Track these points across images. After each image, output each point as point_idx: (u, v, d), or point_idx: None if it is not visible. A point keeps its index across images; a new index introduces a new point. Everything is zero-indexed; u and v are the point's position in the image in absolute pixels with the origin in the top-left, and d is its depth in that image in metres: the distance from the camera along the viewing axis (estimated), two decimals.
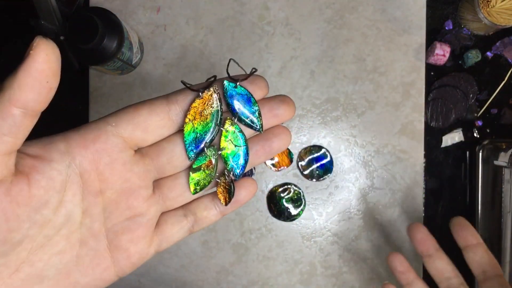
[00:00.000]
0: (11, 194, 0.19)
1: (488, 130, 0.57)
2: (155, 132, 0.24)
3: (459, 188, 0.57)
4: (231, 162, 0.26)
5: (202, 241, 0.57)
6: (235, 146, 0.25)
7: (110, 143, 0.23)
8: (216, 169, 0.26)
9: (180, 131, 0.25)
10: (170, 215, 0.26)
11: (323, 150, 0.56)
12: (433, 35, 0.57)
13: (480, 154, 0.55)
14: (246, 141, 0.25)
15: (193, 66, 0.57)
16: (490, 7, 0.50)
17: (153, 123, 0.23)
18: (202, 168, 0.25)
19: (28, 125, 0.19)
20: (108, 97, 0.57)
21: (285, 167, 0.57)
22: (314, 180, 0.57)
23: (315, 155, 0.56)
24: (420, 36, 0.56)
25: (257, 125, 0.25)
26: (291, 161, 0.57)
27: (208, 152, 0.25)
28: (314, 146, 0.57)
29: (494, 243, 0.55)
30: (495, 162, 0.53)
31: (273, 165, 0.57)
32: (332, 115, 0.57)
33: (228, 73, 0.25)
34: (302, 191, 0.57)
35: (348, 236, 0.57)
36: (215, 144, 0.26)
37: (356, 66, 0.57)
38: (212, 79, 0.25)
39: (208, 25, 0.57)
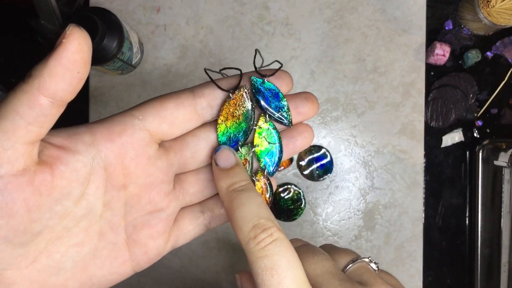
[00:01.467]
0: (34, 184, 0.19)
1: (488, 130, 0.57)
2: (181, 126, 0.23)
3: (459, 188, 0.57)
4: (264, 159, 0.25)
5: (202, 241, 0.57)
6: (269, 143, 0.25)
7: (136, 136, 0.22)
8: (251, 168, 0.26)
9: (205, 125, 0.25)
10: (187, 211, 0.25)
11: (323, 150, 0.56)
12: (433, 35, 0.57)
13: (480, 154, 0.55)
14: (280, 138, 0.25)
15: (193, 66, 0.57)
16: (490, 7, 0.50)
17: (180, 116, 0.23)
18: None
19: (55, 115, 0.19)
20: (108, 97, 0.57)
21: (285, 167, 0.57)
22: (314, 180, 0.57)
23: (315, 155, 0.56)
24: (420, 36, 0.56)
25: (286, 121, 0.25)
26: (291, 161, 0.57)
27: (243, 150, 0.25)
28: (314, 146, 0.57)
29: (494, 243, 0.55)
30: (495, 162, 0.54)
31: None
32: (332, 115, 0.57)
33: (255, 67, 0.25)
34: (302, 191, 0.57)
35: (348, 236, 0.57)
36: (249, 143, 0.26)
37: (356, 66, 0.57)
38: (237, 73, 0.25)
39: (208, 25, 0.57)
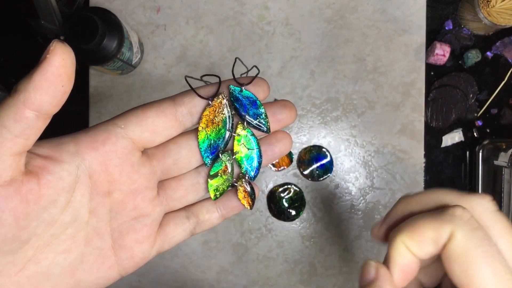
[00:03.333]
0: (21, 193, 0.19)
1: (488, 130, 0.57)
2: (163, 133, 0.24)
3: (459, 188, 0.57)
4: (245, 165, 0.26)
5: (202, 241, 0.57)
6: (248, 149, 0.26)
7: (119, 145, 0.23)
8: (233, 174, 0.26)
9: (186, 132, 0.25)
10: (173, 216, 0.26)
11: (323, 150, 0.56)
12: (433, 35, 0.57)
13: (480, 154, 0.55)
14: (258, 143, 0.26)
15: (193, 66, 0.57)
16: (490, 7, 0.50)
17: (161, 124, 0.24)
18: (219, 174, 0.26)
19: (40, 127, 0.19)
20: (108, 97, 0.57)
21: (285, 167, 0.57)
22: (314, 180, 0.57)
23: (315, 155, 0.56)
24: (420, 36, 0.56)
25: (264, 127, 0.26)
26: (291, 161, 0.57)
27: (223, 157, 0.26)
28: (314, 146, 0.57)
29: None
30: (495, 162, 0.53)
31: (273, 165, 0.57)
32: (332, 115, 0.57)
33: (233, 75, 0.26)
34: (302, 191, 0.57)
35: (348, 236, 0.57)
36: (229, 149, 0.26)
37: (356, 66, 0.57)
38: (214, 81, 0.26)
39: (208, 25, 0.57)
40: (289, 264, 0.57)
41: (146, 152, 0.25)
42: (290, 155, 0.57)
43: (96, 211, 0.23)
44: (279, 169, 0.57)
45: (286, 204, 0.56)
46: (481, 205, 0.21)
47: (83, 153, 0.22)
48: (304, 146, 0.57)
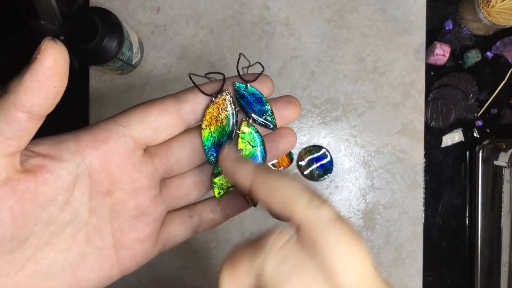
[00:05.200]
0: (18, 192, 0.19)
1: (488, 130, 0.57)
2: (166, 131, 0.24)
3: (459, 188, 0.57)
4: None
5: (202, 241, 0.57)
6: (252, 146, 0.26)
7: (120, 143, 0.22)
8: None
9: (189, 130, 0.25)
10: (175, 215, 0.26)
11: (323, 150, 0.56)
12: (433, 35, 0.57)
13: (480, 154, 0.55)
14: (262, 141, 0.26)
15: (193, 66, 0.57)
16: (490, 7, 0.50)
17: (164, 122, 0.23)
18: (223, 172, 0.25)
19: (33, 128, 0.19)
20: (108, 97, 0.57)
21: (285, 167, 0.57)
22: (314, 180, 0.57)
23: (315, 155, 0.56)
24: (420, 36, 0.56)
25: (271, 124, 0.25)
26: (291, 161, 0.57)
27: None
28: (314, 146, 0.57)
29: (494, 243, 0.55)
30: (495, 162, 0.53)
31: (273, 165, 0.57)
32: (332, 115, 0.57)
33: (238, 72, 0.25)
34: None
35: None
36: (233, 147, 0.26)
37: (356, 66, 0.57)
38: (218, 78, 0.25)
39: (208, 25, 0.57)
40: None
41: (148, 150, 0.24)
42: (290, 155, 0.57)
43: (97, 210, 0.23)
44: (279, 169, 0.57)
45: None
46: (315, 215, 0.19)
47: (83, 151, 0.22)
48: (304, 146, 0.57)
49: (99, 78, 0.57)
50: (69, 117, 0.57)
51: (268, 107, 0.25)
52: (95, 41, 0.45)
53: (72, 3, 0.53)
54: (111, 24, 0.47)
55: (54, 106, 0.19)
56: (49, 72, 0.18)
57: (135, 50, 0.53)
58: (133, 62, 0.54)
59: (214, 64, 0.57)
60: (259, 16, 0.57)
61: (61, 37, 0.51)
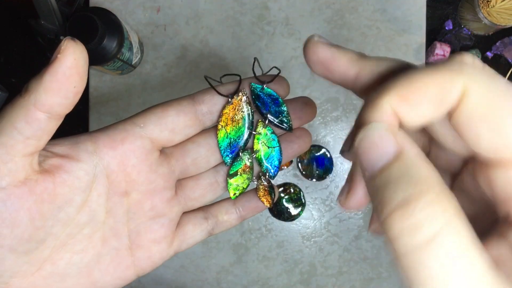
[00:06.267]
0: (36, 192, 0.19)
1: None
2: (182, 132, 0.24)
3: None
4: (265, 164, 0.26)
5: (202, 241, 0.57)
6: (269, 147, 0.25)
7: (138, 144, 0.22)
8: (252, 172, 0.26)
9: (205, 131, 0.25)
10: (191, 216, 0.26)
11: (323, 150, 0.56)
12: (433, 35, 0.57)
13: None
14: (278, 141, 0.26)
15: (193, 66, 0.57)
16: (490, 7, 0.50)
17: (181, 123, 0.23)
18: (239, 173, 0.25)
19: (52, 128, 0.19)
20: (108, 97, 0.57)
21: (285, 167, 0.57)
22: (314, 180, 0.57)
23: (315, 155, 0.56)
24: (420, 36, 0.56)
25: (287, 126, 0.25)
26: (291, 161, 0.57)
27: (243, 156, 0.25)
28: (314, 146, 0.57)
29: None
30: None
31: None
32: (332, 115, 0.57)
33: (254, 73, 0.25)
34: (302, 191, 0.57)
35: (348, 236, 0.57)
36: (249, 148, 0.26)
37: None
38: (235, 79, 0.25)
39: (208, 25, 0.57)
40: (289, 264, 0.57)
41: (164, 151, 0.24)
42: None
43: (113, 211, 0.23)
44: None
45: (286, 204, 0.56)
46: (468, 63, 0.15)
47: (101, 152, 0.22)
48: None
49: (99, 78, 0.57)
50: (69, 117, 0.57)
51: (284, 108, 0.25)
52: (95, 41, 0.45)
53: (72, 3, 0.53)
54: (111, 24, 0.47)
55: (74, 105, 0.19)
56: (69, 72, 0.18)
57: (135, 50, 0.53)
58: (133, 62, 0.54)
59: (214, 64, 0.57)
60: (259, 16, 0.57)
61: (61, 37, 0.51)
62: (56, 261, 0.21)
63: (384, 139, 0.14)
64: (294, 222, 0.57)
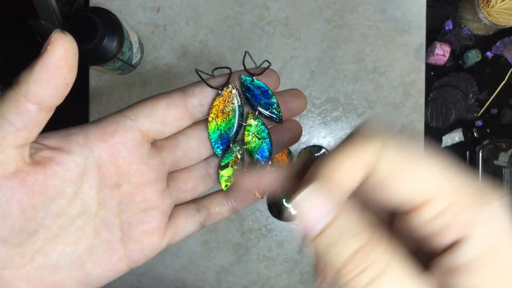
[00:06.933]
0: (27, 184, 0.19)
1: (488, 130, 0.57)
2: (173, 124, 0.24)
3: None
4: (256, 155, 0.26)
5: (202, 241, 0.57)
6: (259, 139, 0.26)
7: (128, 136, 0.23)
8: (243, 164, 0.26)
9: (196, 123, 0.25)
10: (183, 208, 0.26)
11: (323, 150, 0.56)
12: (433, 35, 0.57)
13: (480, 154, 0.55)
14: (269, 133, 0.26)
15: (193, 66, 0.57)
16: (490, 7, 0.50)
17: (171, 115, 0.24)
18: (230, 165, 0.26)
19: (43, 120, 0.19)
20: (108, 97, 0.57)
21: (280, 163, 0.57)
22: None
23: (315, 155, 0.56)
24: (420, 36, 0.56)
25: (277, 117, 0.25)
26: (291, 161, 0.57)
27: (234, 148, 0.26)
28: (314, 146, 0.57)
29: None
30: (495, 162, 0.53)
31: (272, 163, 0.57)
32: (332, 115, 0.57)
33: (244, 66, 0.26)
34: None
35: None
36: (239, 140, 0.26)
37: (356, 66, 0.57)
38: (225, 72, 0.25)
39: (208, 25, 0.57)
40: (289, 264, 0.57)
41: (155, 143, 0.24)
42: (290, 155, 0.57)
43: (105, 203, 0.23)
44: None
45: (286, 204, 0.56)
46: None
47: (92, 144, 0.22)
48: (304, 146, 0.57)
49: (99, 78, 0.57)
50: (69, 117, 0.57)
51: (274, 100, 0.25)
52: (95, 41, 0.45)
53: (72, 3, 0.53)
54: (111, 24, 0.47)
55: (64, 97, 0.19)
56: (59, 64, 0.18)
57: (135, 50, 0.53)
58: (133, 62, 0.54)
59: (214, 64, 0.57)
60: (259, 16, 0.57)
61: None
62: (49, 253, 0.21)
63: (320, 203, 0.16)
64: (294, 222, 0.57)
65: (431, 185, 0.15)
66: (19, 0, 0.57)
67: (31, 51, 0.58)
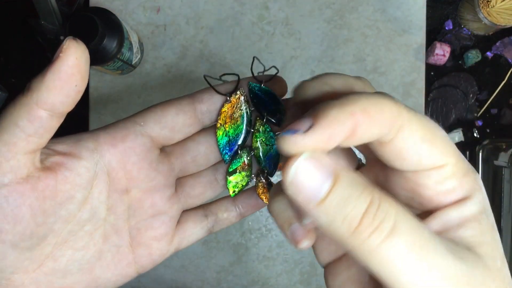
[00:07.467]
0: (38, 189, 0.19)
1: (488, 130, 0.57)
2: (182, 130, 0.24)
3: None
4: (263, 162, 0.26)
5: (202, 241, 0.57)
6: (267, 145, 0.26)
7: (138, 142, 0.23)
8: (251, 170, 0.26)
9: (204, 129, 0.25)
10: (191, 214, 0.26)
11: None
12: (433, 35, 0.57)
13: (480, 154, 0.55)
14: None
15: (193, 66, 0.57)
16: (490, 7, 0.50)
17: (180, 122, 0.24)
18: (238, 171, 0.26)
19: (54, 126, 0.19)
20: (108, 97, 0.57)
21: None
22: None
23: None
24: (420, 36, 0.56)
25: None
26: None
27: (242, 154, 0.26)
28: None
29: None
30: (495, 162, 0.53)
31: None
32: None
33: (252, 73, 0.26)
34: None
35: None
36: (247, 146, 0.26)
37: (356, 66, 0.57)
38: (233, 79, 0.26)
39: (208, 25, 0.57)
40: (289, 264, 0.57)
41: (164, 149, 0.25)
42: None
43: (114, 208, 0.23)
44: (279, 169, 0.57)
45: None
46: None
47: (102, 149, 0.22)
48: None
49: (99, 78, 0.57)
50: (69, 117, 0.57)
51: (282, 106, 0.25)
52: (95, 41, 0.45)
53: (72, 3, 0.53)
54: (111, 24, 0.47)
55: (75, 104, 0.19)
56: (71, 71, 0.18)
57: (135, 50, 0.53)
58: (133, 62, 0.54)
59: (214, 64, 0.57)
60: (259, 16, 0.57)
61: (61, 37, 0.51)
62: (58, 257, 0.21)
63: (317, 171, 0.16)
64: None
65: (445, 151, 0.17)
66: (19, 0, 0.57)
67: (31, 51, 0.58)
